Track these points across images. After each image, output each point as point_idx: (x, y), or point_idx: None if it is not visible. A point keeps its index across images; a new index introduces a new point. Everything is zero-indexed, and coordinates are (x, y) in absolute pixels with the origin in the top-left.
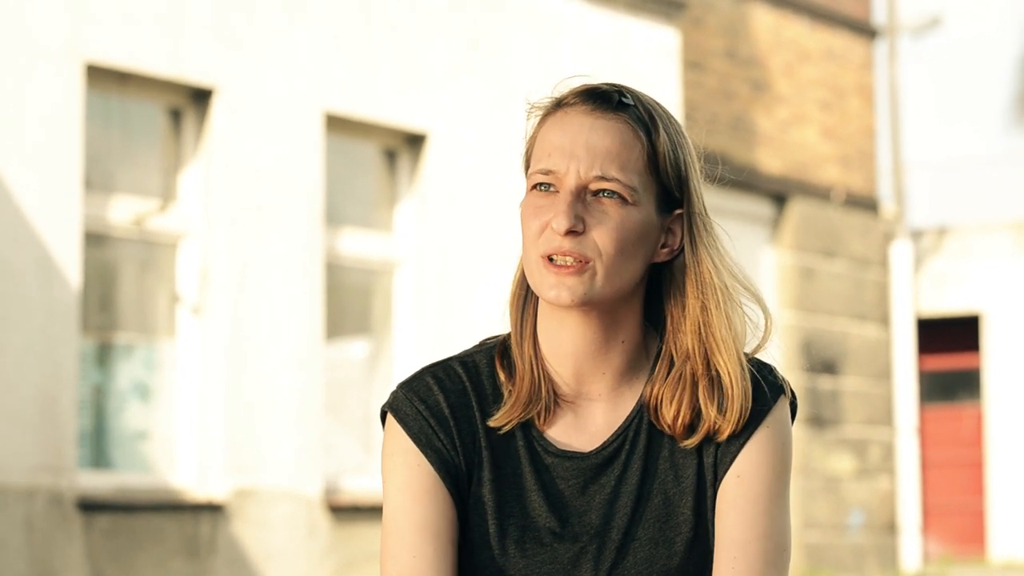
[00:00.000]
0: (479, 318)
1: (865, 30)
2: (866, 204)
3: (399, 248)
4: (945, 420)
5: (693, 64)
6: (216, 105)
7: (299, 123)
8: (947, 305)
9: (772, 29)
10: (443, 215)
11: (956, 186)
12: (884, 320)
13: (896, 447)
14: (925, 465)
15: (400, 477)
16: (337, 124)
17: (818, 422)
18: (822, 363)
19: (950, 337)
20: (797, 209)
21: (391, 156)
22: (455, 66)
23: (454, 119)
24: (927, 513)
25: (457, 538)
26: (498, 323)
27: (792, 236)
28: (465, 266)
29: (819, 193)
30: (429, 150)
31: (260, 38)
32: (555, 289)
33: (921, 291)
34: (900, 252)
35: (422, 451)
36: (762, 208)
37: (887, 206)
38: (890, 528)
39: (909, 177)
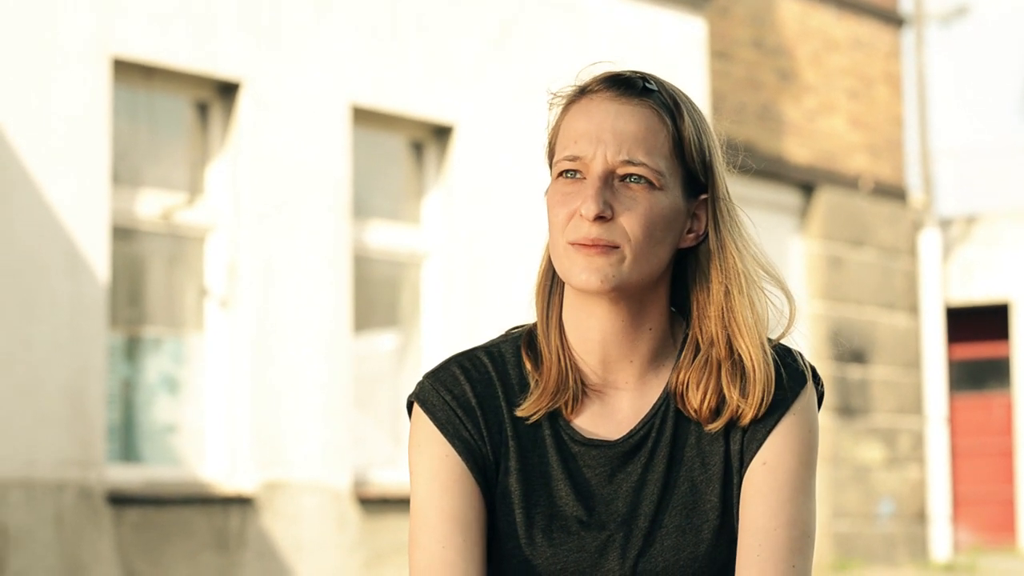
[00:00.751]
0: (507, 309)
1: (892, 19)
2: (894, 193)
3: (426, 240)
4: (975, 409)
5: (720, 54)
6: (243, 98)
7: (326, 116)
8: (976, 293)
9: (799, 18)
10: (470, 207)
11: (984, 174)
12: (913, 309)
13: (926, 436)
14: (955, 454)
15: (428, 467)
16: (364, 116)
17: (847, 411)
18: (851, 352)
19: (979, 326)
20: (825, 198)
21: (418, 148)
22: (482, 58)
23: (481, 111)
24: (957, 502)
25: (486, 528)
26: (525, 313)
27: (820, 225)
28: (492, 257)
29: (847, 182)
30: (456, 142)
31: (287, 31)
32: (585, 273)
33: (950, 280)
34: (929, 241)
35: (449, 441)
36: (790, 197)
37: (915, 194)
38: (920, 517)
39: (937, 165)
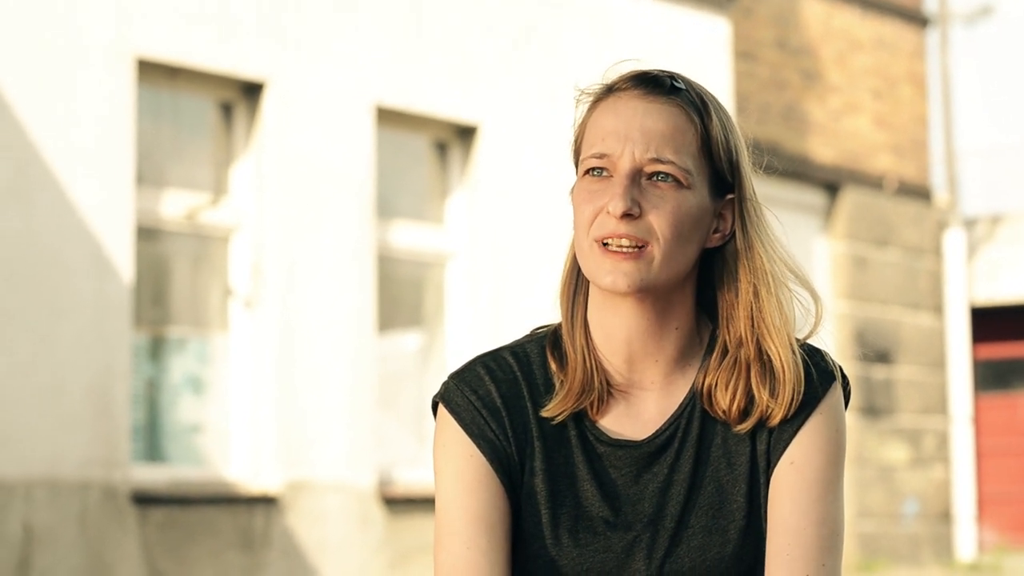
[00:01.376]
0: (531, 309)
1: (916, 18)
2: (919, 192)
3: (451, 240)
4: (1000, 409)
5: (744, 54)
6: (267, 99)
7: (350, 116)
8: (1001, 293)
9: (823, 18)
10: (494, 207)
11: (1009, 173)
12: (938, 309)
13: (951, 436)
14: (980, 454)
15: (453, 468)
16: (388, 117)
17: (872, 411)
18: (876, 352)
19: (1004, 325)
20: (850, 198)
21: (442, 148)
22: (506, 58)
23: (505, 111)
24: (982, 502)
25: (511, 529)
26: (550, 314)
27: (845, 225)
28: (517, 257)
29: (872, 182)
30: (480, 142)
31: (311, 31)
32: (611, 275)
33: (975, 279)
34: (953, 240)
35: (474, 441)
36: (815, 197)
37: (940, 194)
38: (945, 517)
39: (962, 165)
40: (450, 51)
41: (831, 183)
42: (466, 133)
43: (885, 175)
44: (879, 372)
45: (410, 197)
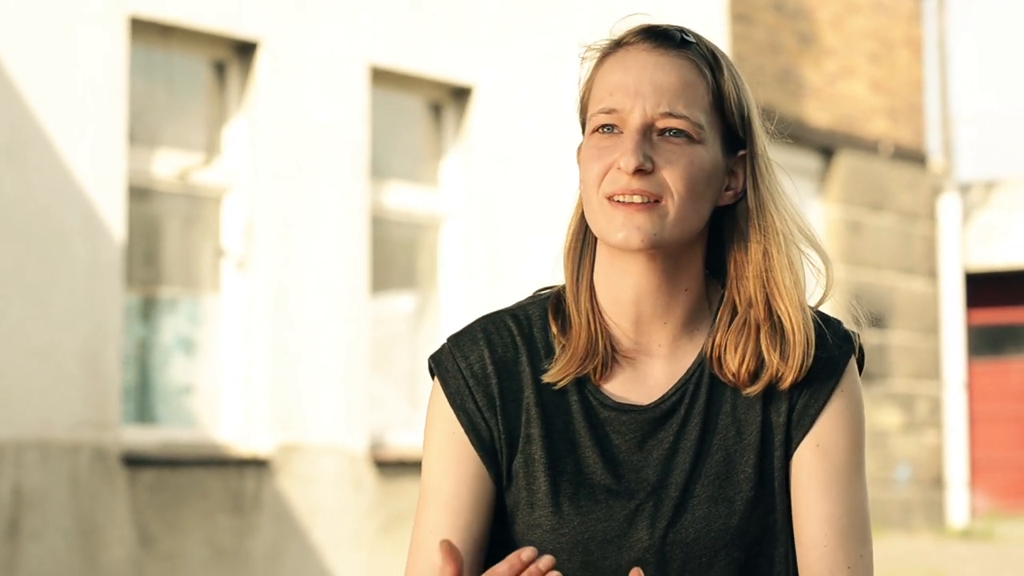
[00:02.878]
0: (525, 272)
1: None
2: (914, 157)
3: (445, 202)
4: (993, 374)
5: (740, 17)
6: (261, 59)
7: (344, 76)
8: (995, 259)
9: None
10: (489, 169)
11: (1005, 139)
12: (932, 274)
13: (944, 401)
14: (973, 419)
15: (435, 444)
16: (382, 77)
17: (865, 376)
18: (869, 317)
19: (998, 291)
20: (845, 162)
21: (437, 109)
22: (502, 19)
23: (500, 72)
24: (974, 468)
25: (487, 509)
26: (545, 277)
27: (840, 189)
28: (511, 220)
29: (867, 146)
30: (475, 103)
31: None
32: (624, 230)
33: (969, 245)
34: (948, 206)
35: (456, 413)
36: (810, 161)
37: (935, 159)
38: (937, 483)
39: (957, 130)
40: (445, 11)
41: (826, 147)
42: (461, 94)
43: (880, 139)
44: (872, 337)
45: (404, 158)
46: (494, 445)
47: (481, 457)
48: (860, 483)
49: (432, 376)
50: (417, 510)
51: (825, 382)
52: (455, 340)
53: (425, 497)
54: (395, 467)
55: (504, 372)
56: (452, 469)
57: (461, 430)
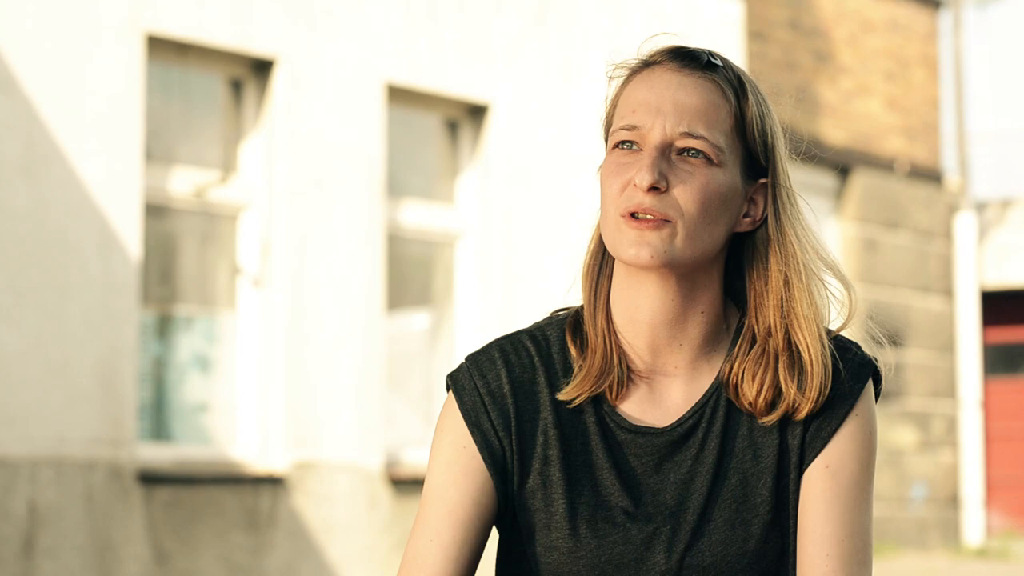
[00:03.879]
0: (541, 289)
1: (930, 0)
2: (930, 175)
3: (461, 219)
4: (1009, 393)
5: (756, 35)
6: (277, 76)
7: (360, 94)
8: (1011, 277)
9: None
10: (505, 186)
11: (1021, 158)
12: (948, 292)
13: (959, 420)
14: (988, 438)
15: (444, 455)
16: (399, 95)
17: (881, 395)
18: (885, 335)
19: (1014, 309)
20: (861, 180)
21: (453, 127)
22: (518, 37)
23: (516, 90)
24: (990, 486)
25: (487, 525)
26: (560, 294)
27: (855, 207)
28: (527, 237)
29: (883, 164)
30: (491, 121)
31: (322, 8)
32: (635, 247)
33: (985, 263)
34: (964, 224)
35: (469, 429)
36: (825, 179)
37: (951, 177)
38: (953, 501)
39: (973, 148)
40: (462, 29)
41: (842, 165)
42: (477, 112)
43: (896, 158)
44: (888, 356)
45: (420, 176)
46: (506, 465)
47: (491, 475)
48: (866, 507)
49: (448, 391)
50: (417, 519)
51: (840, 406)
52: (473, 359)
53: (427, 506)
54: (410, 484)
55: (521, 393)
56: (460, 481)
57: (473, 445)
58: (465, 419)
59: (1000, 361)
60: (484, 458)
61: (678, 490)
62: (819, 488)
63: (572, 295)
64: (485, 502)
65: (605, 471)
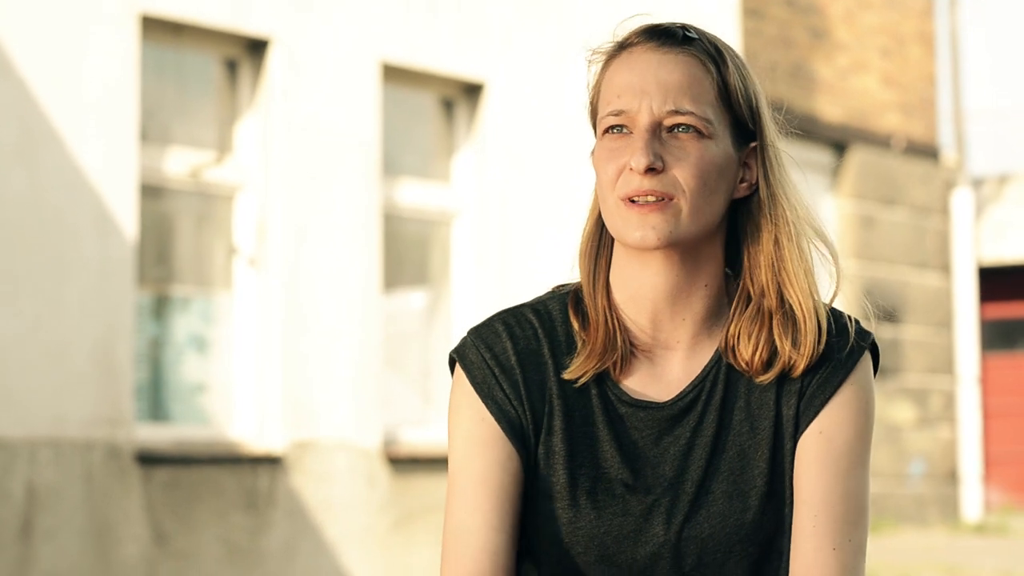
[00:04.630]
0: (537, 267)
1: None
2: (927, 152)
3: (457, 198)
4: (1006, 368)
5: (752, 12)
6: (273, 56)
7: (356, 73)
8: (1008, 253)
9: None
10: (501, 165)
11: (1017, 133)
12: (945, 268)
13: (957, 396)
14: (986, 414)
15: (464, 430)
16: (394, 74)
17: (879, 371)
18: (883, 312)
19: (1011, 285)
20: (857, 157)
21: (449, 106)
22: (513, 15)
23: (512, 68)
24: (988, 462)
25: (520, 491)
26: (556, 271)
27: (852, 184)
28: (523, 216)
29: (879, 141)
30: (487, 100)
31: None
32: (640, 230)
33: (982, 239)
34: (961, 200)
35: (484, 402)
36: (822, 156)
37: (948, 154)
38: (951, 477)
39: (969, 124)
40: (457, 7)
41: (838, 142)
42: (473, 91)
43: (893, 134)
44: (886, 332)
45: (416, 155)
46: (523, 431)
47: (512, 442)
48: (861, 473)
49: (452, 371)
50: (449, 499)
51: (835, 373)
52: (477, 332)
53: (458, 482)
54: (408, 464)
55: (527, 363)
56: (485, 452)
57: (491, 416)
58: (478, 392)
59: (997, 337)
60: (503, 427)
61: (677, 462)
62: (812, 453)
63: (575, 272)
64: (513, 469)
65: (606, 444)
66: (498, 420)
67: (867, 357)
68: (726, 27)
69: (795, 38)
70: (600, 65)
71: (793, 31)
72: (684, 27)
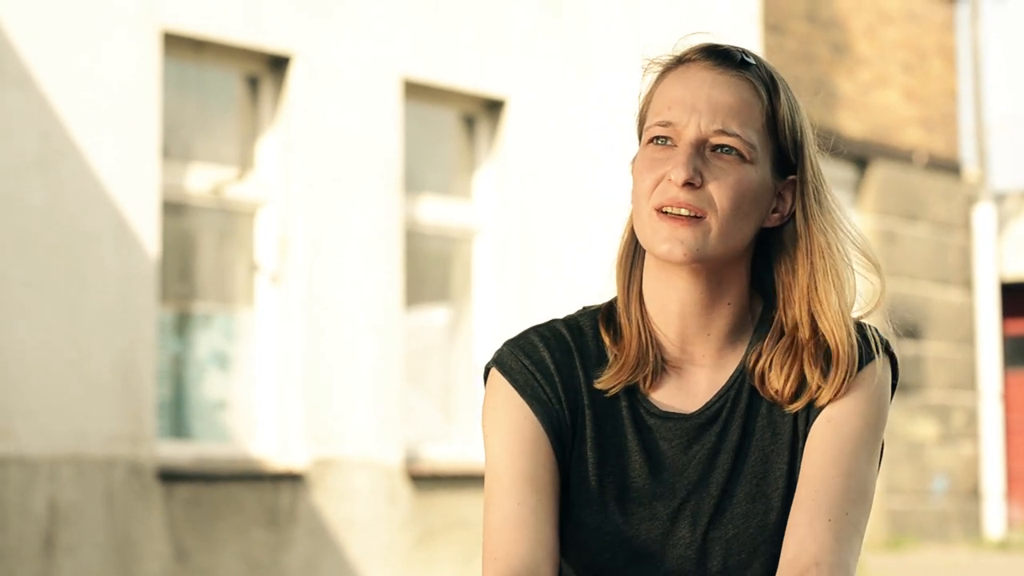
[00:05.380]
0: (559, 284)
1: None
2: (948, 167)
3: (478, 215)
4: None
5: (773, 27)
6: (294, 72)
7: (377, 89)
8: None
9: None
10: (522, 181)
11: None
12: (967, 284)
13: (979, 412)
14: (1009, 430)
15: (505, 428)
16: (415, 90)
17: (901, 388)
18: (905, 328)
19: None
20: (879, 172)
21: (470, 122)
22: (534, 31)
23: (533, 84)
24: (1011, 479)
25: (559, 491)
26: (579, 287)
27: (874, 200)
28: (544, 232)
29: (901, 156)
30: (508, 116)
31: (338, 4)
32: (668, 243)
33: (1004, 254)
34: (983, 215)
35: (527, 402)
36: (844, 171)
37: (970, 169)
38: (973, 494)
39: (992, 139)
40: (478, 24)
41: (860, 157)
42: (494, 107)
43: (914, 149)
44: (908, 348)
45: (437, 171)
46: (562, 433)
47: (553, 444)
48: (866, 459)
49: (485, 381)
50: (490, 497)
51: (849, 370)
52: (514, 343)
53: (501, 479)
54: (430, 481)
55: (564, 372)
56: (528, 449)
57: (532, 415)
58: (521, 394)
59: (1020, 353)
60: (545, 428)
61: (702, 467)
62: (819, 439)
63: (605, 292)
64: (554, 468)
65: (635, 454)
66: (541, 420)
67: (880, 359)
68: (748, 42)
69: (816, 53)
70: (655, 76)
71: (814, 46)
72: (744, 51)
